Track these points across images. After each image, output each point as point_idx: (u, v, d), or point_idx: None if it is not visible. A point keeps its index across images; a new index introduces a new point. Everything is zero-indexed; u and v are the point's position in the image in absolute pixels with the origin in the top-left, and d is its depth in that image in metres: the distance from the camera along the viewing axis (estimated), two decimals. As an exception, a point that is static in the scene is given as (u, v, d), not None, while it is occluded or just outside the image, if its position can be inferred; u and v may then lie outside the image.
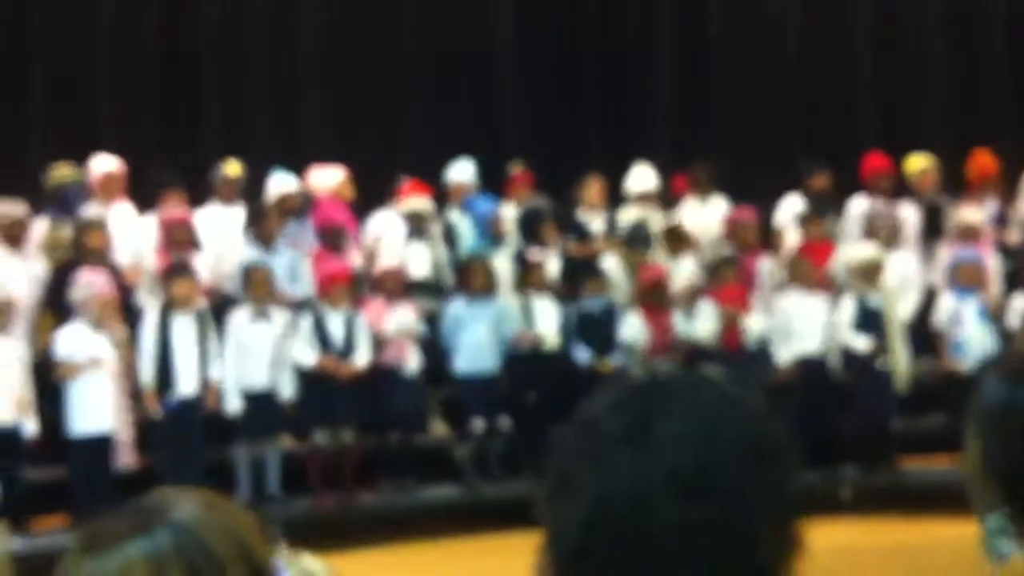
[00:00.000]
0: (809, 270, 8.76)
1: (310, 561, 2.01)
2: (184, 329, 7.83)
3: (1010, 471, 1.46)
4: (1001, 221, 9.35)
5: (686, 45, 11.25)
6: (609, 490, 1.03)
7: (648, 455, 1.03)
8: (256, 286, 8.10)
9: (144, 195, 8.92)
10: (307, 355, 8.13)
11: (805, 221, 9.25)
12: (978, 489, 1.51)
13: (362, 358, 8.19)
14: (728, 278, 8.77)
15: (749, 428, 1.09)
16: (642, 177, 9.69)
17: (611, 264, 9.06)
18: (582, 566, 1.03)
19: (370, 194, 9.44)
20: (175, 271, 7.95)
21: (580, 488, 1.05)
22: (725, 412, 1.09)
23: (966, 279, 8.60)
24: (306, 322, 8.19)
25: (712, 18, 11.27)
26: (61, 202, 8.56)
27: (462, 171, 9.71)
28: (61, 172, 8.72)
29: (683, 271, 9.06)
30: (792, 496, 1.10)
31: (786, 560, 1.08)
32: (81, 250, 8.06)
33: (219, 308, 8.29)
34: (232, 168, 9.10)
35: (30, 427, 7.44)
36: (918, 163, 9.63)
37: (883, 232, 8.99)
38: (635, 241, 9.07)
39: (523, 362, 8.49)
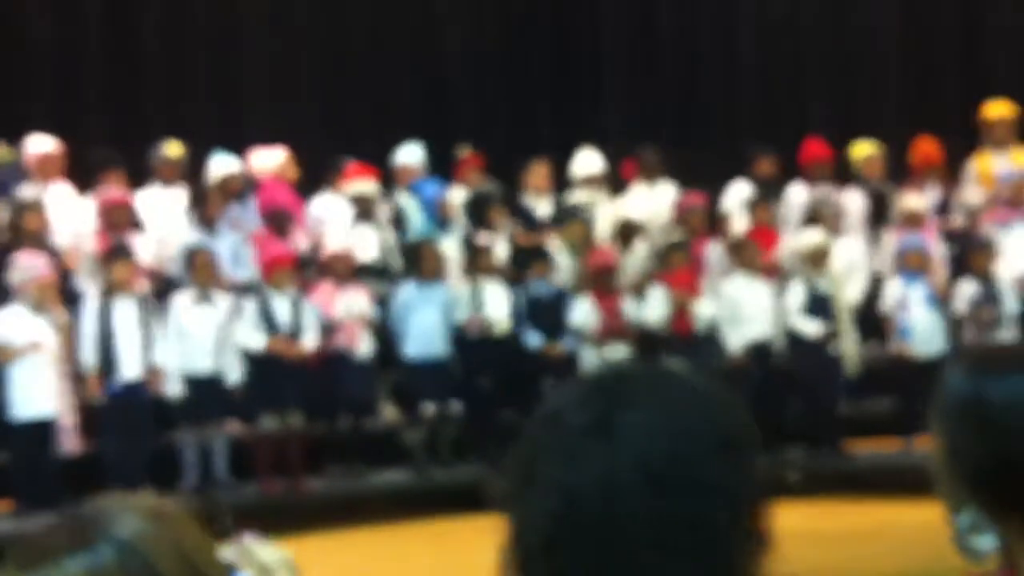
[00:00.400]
0: (754, 255, 8.79)
1: (268, 551, 1.94)
2: (126, 313, 7.67)
3: (979, 468, 1.43)
4: (944, 207, 9.47)
5: (637, 29, 11.24)
6: (577, 482, 1.02)
7: (615, 447, 1.02)
8: (199, 270, 7.95)
9: (84, 175, 8.69)
10: (254, 338, 8.00)
11: (752, 207, 9.30)
12: (946, 487, 1.47)
13: (310, 341, 8.08)
14: (678, 263, 8.79)
15: (716, 420, 1.08)
16: (587, 161, 9.67)
17: (556, 248, 9.04)
18: (551, 559, 1.02)
19: (316, 177, 9.30)
20: (115, 254, 7.79)
21: (547, 481, 1.03)
22: (692, 404, 1.08)
23: (912, 264, 8.70)
24: (251, 306, 8.06)
25: (664, 3, 11.26)
26: None
27: (410, 154, 9.60)
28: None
29: (634, 258, 9.05)
30: (759, 487, 1.09)
31: (755, 551, 1.07)
32: (18, 232, 7.84)
33: (161, 291, 8.12)
34: (173, 148, 8.90)
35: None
36: (864, 150, 9.72)
37: (827, 218, 9.07)
38: (567, 217, 9.06)
39: (474, 347, 8.43)
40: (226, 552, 1.89)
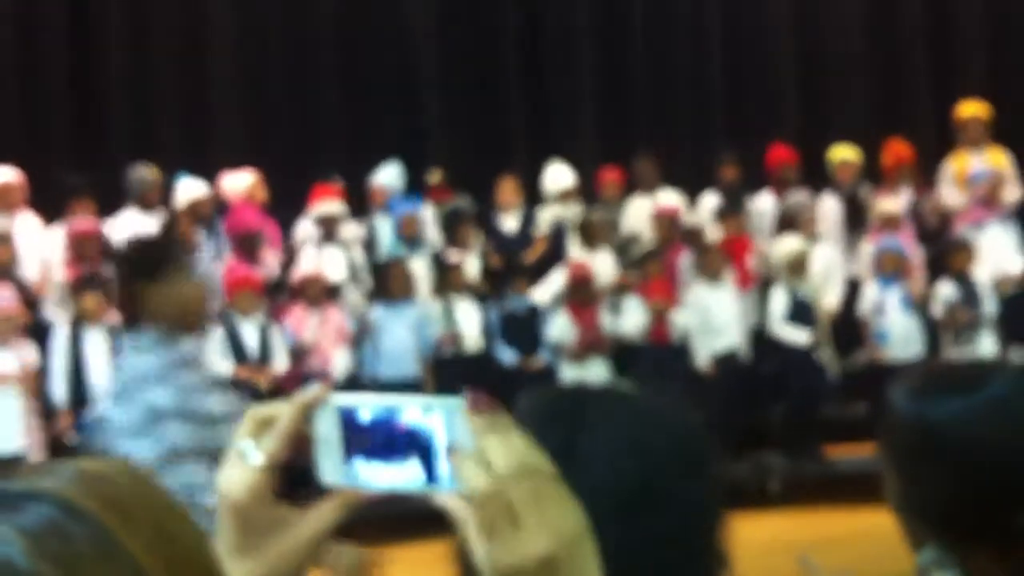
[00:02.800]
0: (719, 263, 8.73)
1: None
2: (97, 344, 7.59)
3: (934, 503, 1.34)
4: (917, 210, 9.43)
5: (609, 41, 11.20)
6: None
7: (579, 474, 0.99)
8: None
9: (51, 203, 8.61)
10: (221, 366, 7.93)
11: (722, 216, 9.25)
12: (904, 523, 1.39)
13: (279, 365, 8.00)
14: (654, 272, 8.74)
15: (677, 436, 1.07)
16: (558, 175, 9.65)
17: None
18: None
19: (290, 202, 9.25)
20: (84, 284, 7.72)
21: None
22: (651, 422, 1.07)
23: (888, 268, 8.66)
24: (218, 332, 7.99)
25: (636, 12, 11.23)
26: None
27: (387, 175, 9.60)
28: None
29: (601, 265, 9.01)
30: (719, 504, 1.09)
31: (720, 568, 1.07)
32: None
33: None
34: (152, 172, 8.83)
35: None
36: (839, 154, 9.69)
37: (804, 224, 9.02)
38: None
39: (447, 365, 8.37)
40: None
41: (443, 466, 0.88)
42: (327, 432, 0.93)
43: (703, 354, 8.60)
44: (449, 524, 1.02)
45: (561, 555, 0.84)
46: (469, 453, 0.85)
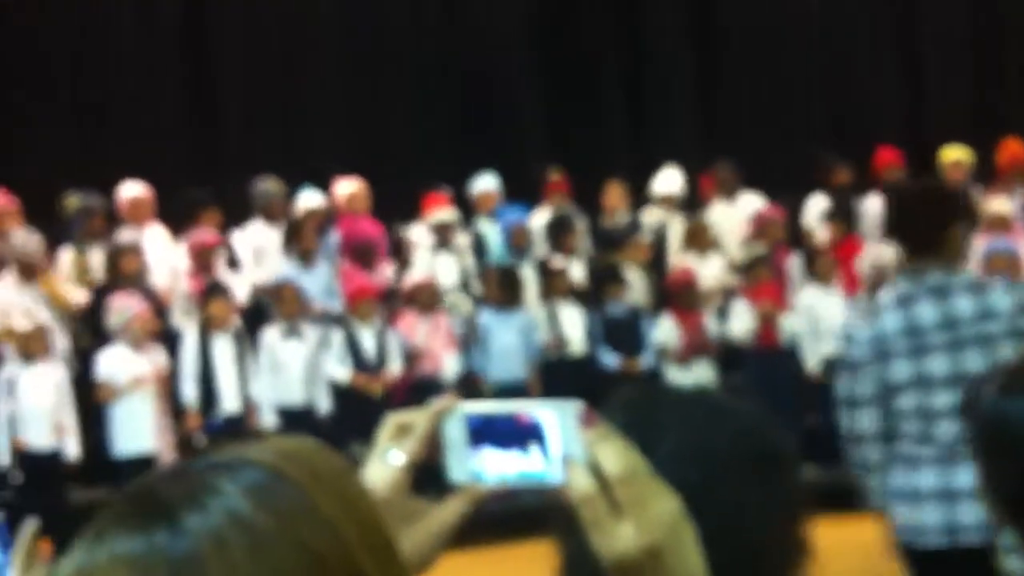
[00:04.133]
0: (830, 267, 8.72)
1: None
2: (223, 349, 7.92)
3: (1011, 491, 1.42)
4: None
5: (703, 43, 11.23)
6: None
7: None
8: (285, 303, 8.17)
9: (177, 217, 8.96)
10: (340, 371, 8.21)
11: (830, 219, 9.23)
12: (988, 507, 1.47)
13: (394, 369, 8.26)
14: (762, 276, 8.77)
15: (745, 437, 1.11)
16: (667, 180, 9.71)
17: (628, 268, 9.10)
18: None
19: (397, 208, 9.47)
20: (210, 293, 8.05)
21: None
22: (720, 424, 1.11)
23: (999, 267, 8.54)
24: (338, 337, 8.26)
25: (731, 16, 11.24)
26: (68, 229, 8.58)
27: (485, 182, 9.78)
28: (72, 200, 8.69)
29: (711, 270, 9.06)
30: (793, 500, 1.12)
31: (793, 565, 1.10)
32: (116, 275, 8.15)
33: (251, 327, 8.34)
34: (276, 185, 9.14)
35: (72, 450, 7.53)
36: (951, 154, 9.59)
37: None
38: (626, 237, 9.13)
39: (552, 368, 8.52)
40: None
41: (556, 459, 0.99)
42: (454, 435, 1.04)
43: (812, 358, 8.60)
44: (550, 524, 1.14)
45: (665, 543, 0.92)
46: (581, 461, 0.96)
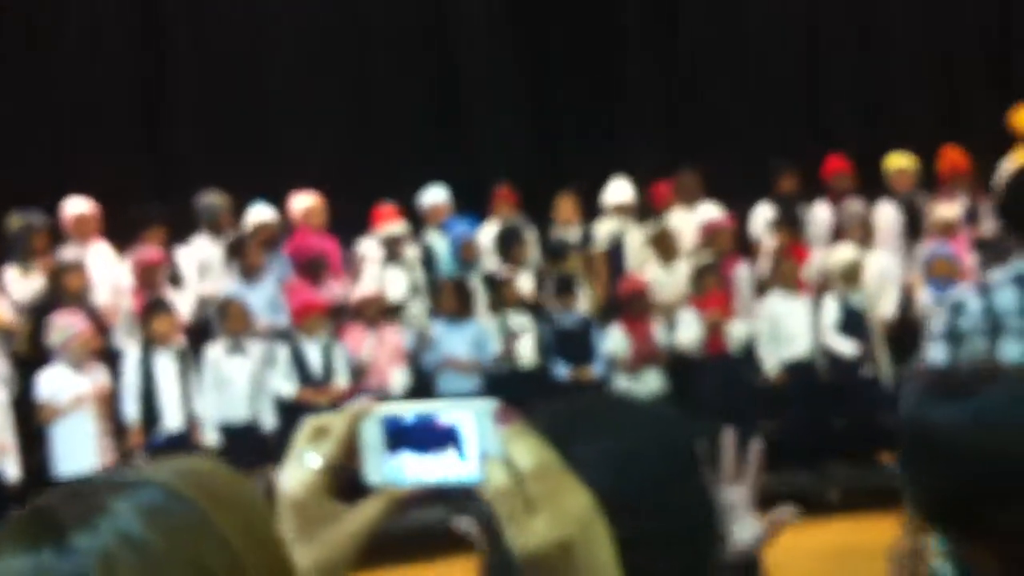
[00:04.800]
0: (792, 271, 8.78)
1: None
2: (165, 366, 7.87)
3: (933, 498, 1.41)
4: (973, 216, 9.37)
5: (660, 54, 11.26)
6: None
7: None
8: (230, 319, 8.13)
9: (123, 233, 8.90)
10: (286, 386, 8.17)
11: (777, 227, 9.28)
12: (912, 514, 1.47)
13: (341, 384, 8.23)
14: (710, 285, 8.81)
15: (667, 442, 1.12)
16: (619, 189, 9.73)
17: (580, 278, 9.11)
18: None
19: (349, 221, 9.44)
20: (152, 309, 7.99)
21: None
22: (642, 429, 1.12)
23: (939, 272, 8.61)
24: (283, 352, 8.22)
25: (690, 23, 11.28)
26: (10, 248, 8.52)
27: (435, 195, 9.77)
28: (14, 220, 8.63)
29: (676, 278, 9.07)
30: (710, 505, 1.13)
31: (709, 566, 1.12)
32: (58, 293, 8.09)
33: (195, 343, 8.30)
34: (220, 198, 9.10)
35: (11, 471, 7.46)
36: (896, 162, 9.67)
37: (857, 232, 9.02)
38: (559, 253, 9.16)
39: (502, 380, 8.52)
40: None
41: (473, 458, 1.00)
42: (372, 438, 1.05)
43: (771, 362, 8.63)
44: (471, 542, 1.15)
45: (576, 538, 0.94)
46: (496, 457, 0.97)
